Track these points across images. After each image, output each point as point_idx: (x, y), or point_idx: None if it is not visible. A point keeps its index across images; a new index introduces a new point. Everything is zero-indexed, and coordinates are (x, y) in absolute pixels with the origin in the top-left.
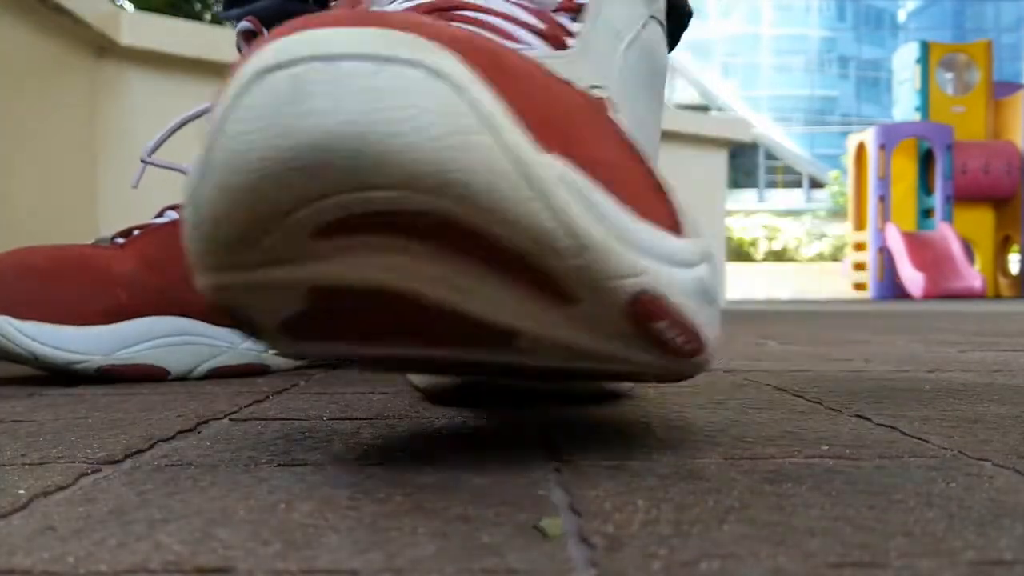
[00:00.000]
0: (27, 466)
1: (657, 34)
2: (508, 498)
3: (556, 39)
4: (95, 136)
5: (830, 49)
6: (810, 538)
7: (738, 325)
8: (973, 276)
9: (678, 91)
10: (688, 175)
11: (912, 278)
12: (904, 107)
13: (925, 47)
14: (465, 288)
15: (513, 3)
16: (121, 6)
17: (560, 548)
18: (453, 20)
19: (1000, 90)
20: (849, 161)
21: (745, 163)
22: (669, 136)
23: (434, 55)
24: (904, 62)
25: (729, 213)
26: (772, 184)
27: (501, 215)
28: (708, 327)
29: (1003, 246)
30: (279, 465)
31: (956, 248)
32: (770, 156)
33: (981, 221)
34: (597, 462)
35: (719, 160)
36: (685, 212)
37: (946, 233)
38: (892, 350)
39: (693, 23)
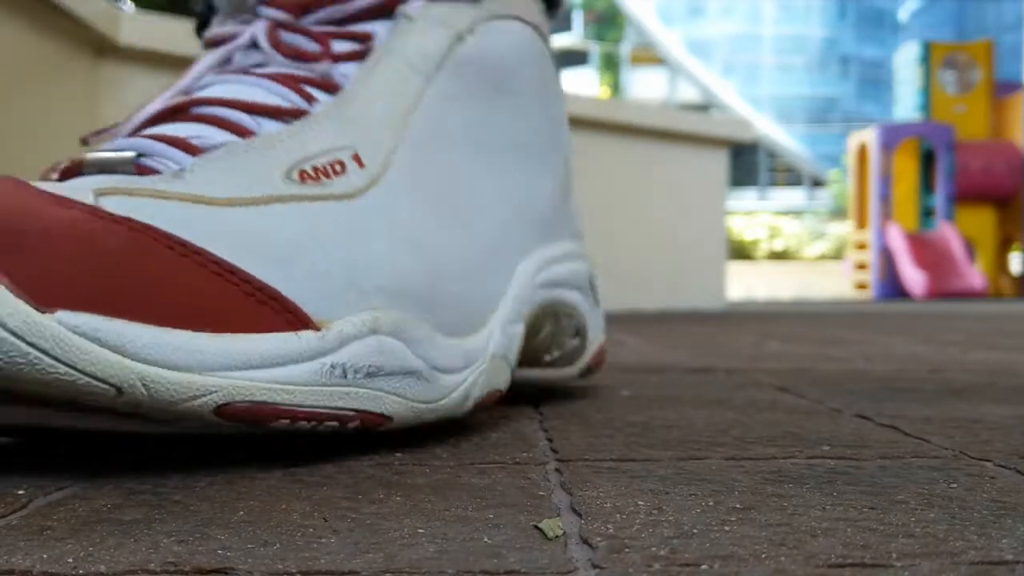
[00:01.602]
0: (25, 466)
1: (503, 33)
2: (508, 499)
3: (297, 113)
4: None
5: (831, 48)
6: (812, 539)
7: (739, 325)
8: (974, 276)
9: (678, 91)
10: (688, 175)
11: (914, 278)
12: (905, 106)
13: (926, 46)
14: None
15: (257, 85)
16: (120, 7)
17: (561, 549)
18: (191, 120)
19: (1001, 90)
20: (850, 160)
21: (746, 162)
22: (669, 136)
23: None
24: (905, 61)
25: (730, 213)
26: (773, 183)
27: (29, 381)
28: (372, 403)
29: (1004, 246)
30: (277, 465)
31: (957, 248)
32: (771, 155)
33: (983, 221)
34: (597, 462)
35: (720, 160)
36: (308, 301)
37: (947, 233)
38: (893, 350)
39: (693, 22)
